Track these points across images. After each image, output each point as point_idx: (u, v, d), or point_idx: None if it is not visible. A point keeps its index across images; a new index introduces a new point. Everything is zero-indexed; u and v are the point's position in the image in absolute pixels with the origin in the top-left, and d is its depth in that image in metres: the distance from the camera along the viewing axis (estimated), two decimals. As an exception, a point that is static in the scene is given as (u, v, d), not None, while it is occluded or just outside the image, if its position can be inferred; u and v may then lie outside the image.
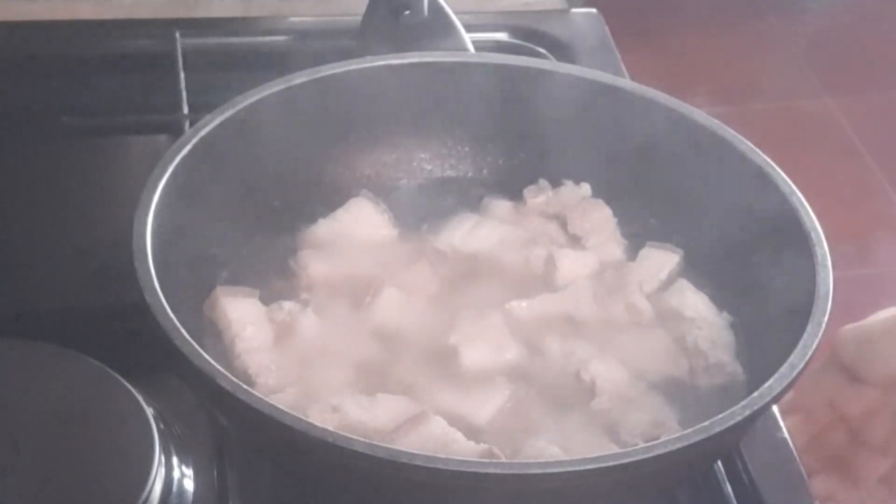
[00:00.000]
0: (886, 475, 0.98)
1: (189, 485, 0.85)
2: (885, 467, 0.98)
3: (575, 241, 0.99)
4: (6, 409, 0.84)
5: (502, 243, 0.97)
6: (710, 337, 0.90)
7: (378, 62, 1.00)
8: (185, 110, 1.13)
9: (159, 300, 0.78)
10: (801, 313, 0.81)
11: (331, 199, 0.99)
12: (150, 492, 0.81)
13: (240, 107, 0.94)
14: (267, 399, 0.74)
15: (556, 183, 1.02)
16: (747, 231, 0.93)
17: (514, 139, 1.03)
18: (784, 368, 0.78)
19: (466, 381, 0.86)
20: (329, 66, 0.98)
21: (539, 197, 1.01)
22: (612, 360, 0.88)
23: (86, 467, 0.82)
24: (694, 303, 0.93)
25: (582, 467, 0.71)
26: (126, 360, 0.88)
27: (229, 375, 0.75)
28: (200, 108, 1.06)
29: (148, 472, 0.81)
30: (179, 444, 0.86)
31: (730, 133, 0.95)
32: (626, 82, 1.03)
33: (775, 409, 0.93)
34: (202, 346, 0.77)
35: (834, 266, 0.85)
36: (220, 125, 0.92)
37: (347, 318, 0.91)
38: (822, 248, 0.86)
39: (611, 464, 0.71)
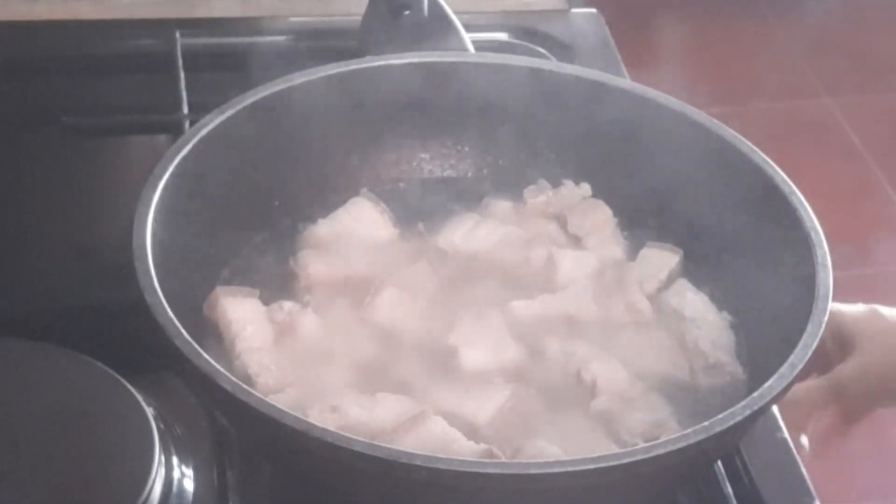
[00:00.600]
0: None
1: (189, 485, 0.85)
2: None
3: (575, 241, 0.99)
4: (6, 409, 0.84)
5: (502, 243, 0.97)
6: (710, 337, 0.90)
7: (378, 62, 1.00)
8: (185, 110, 1.13)
9: (159, 300, 0.78)
10: (801, 313, 0.82)
11: (331, 199, 0.99)
12: (150, 492, 0.81)
13: (240, 107, 0.94)
14: (267, 399, 0.74)
15: (556, 183, 1.02)
16: (747, 231, 0.93)
17: (514, 139, 1.03)
18: (784, 368, 0.78)
19: (466, 381, 0.86)
20: (329, 66, 0.98)
21: (539, 197, 1.01)
22: (612, 361, 0.88)
23: (86, 467, 0.82)
24: (694, 303, 0.93)
25: (582, 467, 0.71)
26: (126, 360, 0.88)
27: (229, 375, 0.75)
28: (200, 108, 1.06)
29: (148, 472, 0.81)
30: (179, 444, 0.86)
31: (730, 133, 0.95)
32: (626, 82, 1.03)
33: (775, 409, 0.93)
34: (202, 346, 0.77)
35: (834, 266, 0.85)
36: (220, 125, 0.92)
37: (347, 319, 0.91)
38: (822, 248, 0.86)
39: (611, 464, 0.71)
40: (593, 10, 1.34)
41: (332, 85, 0.98)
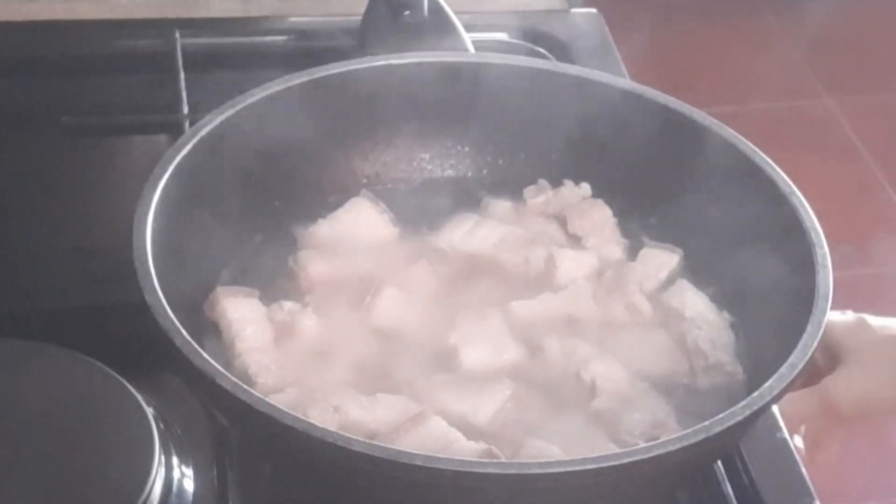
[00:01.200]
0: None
1: (189, 485, 0.85)
2: None
3: (575, 241, 0.99)
4: (6, 409, 0.84)
5: (502, 243, 0.97)
6: (710, 337, 0.90)
7: (378, 62, 1.00)
8: (185, 110, 1.13)
9: (159, 300, 0.78)
10: (801, 313, 0.81)
11: (331, 199, 0.99)
12: (150, 492, 0.81)
13: (240, 107, 0.94)
14: (267, 399, 0.74)
15: (556, 183, 1.02)
16: (747, 231, 0.93)
17: (514, 139, 1.03)
18: (784, 368, 0.78)
19: (466, 381, 0.86)
20: (329, 66, 0.98)
21: (539, 197, 1.01)
22: (612, 360, 0.88)
23: (86, 467, 0.82)
24: (694, 303, 0.93)
25: (582, 467, 0.71)
26: (126, 360, 0.88)
27: (229, 375, 0.75)
28: (200, 108, 1.06)
29: (148, 472, 0.81)
30: (179, 444, 0.86)
31: (730, 133, 0.95)
32: (626, 82, 1.03)
33: (775, 409, 0.93)
34: (202, 346, 0.77)
35: (834, 266, 0.85)
36: (220, 125, 0.92)
37: (347, 318, 0.91)
38: (822, 248, 0.86)
39: (611, 464, 0.71)
40: (593, 10, 1.34)
41: (331, 85, 0.98)
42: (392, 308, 0.91)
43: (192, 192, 0.89)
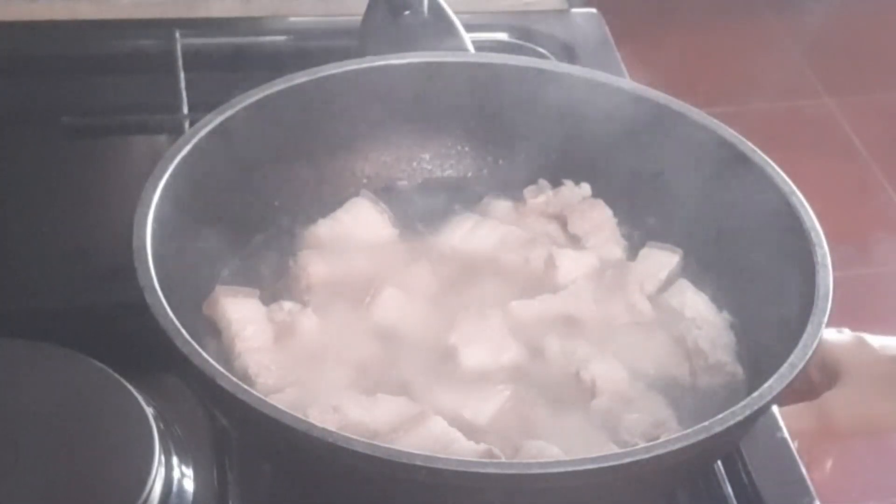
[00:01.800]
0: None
1: (189, 485, 0.85)
2: None
3: (575, 241, 0.99)
4: (6, 409, 0.84)
5: (502, 243, 0.97)
6: (710, 337, 0.90)
7: (378, 62, 1.00)
8: (185, 110, 1.13)
9: (159, 300, 0.78)
10: (802, 313, 0.82)
11: (331, 200, 0.99)
12: (150, 492, 0.81)
13: (240, 107, 0.94)
14: (267, 399, 0.74)
15: (556, 183, 1.02)
16: (747, 231, 0.93)
17: (514, 139, 1.03)
18: (784, 368, 0.78)
19: (466, 381, 0.86)
20: (329, 66, 0.98)
21: (539, 197, 1.01)
22: (612, 360, 0.88)
23: (86, 467, 0.82)
24: (694, 303, 0.93)
25: (582, 467, 0.71)
26: (126, 360, 0.88)
27: (229, 375, 0.75)
28: (200, 108, 1.06)
29: (148, 472, 0.81)
30: (179, 444, 0.86)
31: (730, 133, 0.95)
32: (626, 82, 1.03)
33: (775, 409, 0.93)
34: (202, 346, 0.77)
35: (834, 266, 0.85)
36: (221, 125, 0.92)
37: (347, 318, 0.91)
38: (822, 248, 0.86)
39: (611, 464, 0.71)
40: (593, 10, 1.34)
41: (331, 85, 0.98)
42: (392, 308, 0.91)
43: (192, 192, 0.89)
